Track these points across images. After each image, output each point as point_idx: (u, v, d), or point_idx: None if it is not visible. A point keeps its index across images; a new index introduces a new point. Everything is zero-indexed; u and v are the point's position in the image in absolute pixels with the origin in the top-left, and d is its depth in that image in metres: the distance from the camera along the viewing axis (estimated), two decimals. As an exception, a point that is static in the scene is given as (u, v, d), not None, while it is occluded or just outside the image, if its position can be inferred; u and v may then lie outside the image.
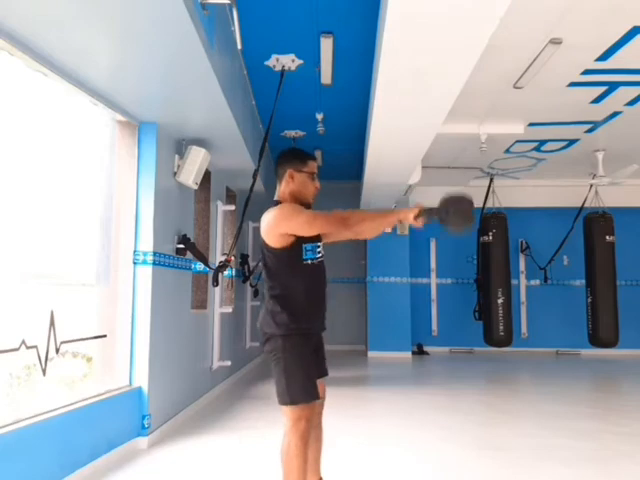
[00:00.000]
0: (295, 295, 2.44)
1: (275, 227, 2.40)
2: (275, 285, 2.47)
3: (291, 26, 4.17)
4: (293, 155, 2.60)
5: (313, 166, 2.57)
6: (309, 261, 2.46)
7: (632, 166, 7.24)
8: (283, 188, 2.55)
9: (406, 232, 9.70)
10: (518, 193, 9.47)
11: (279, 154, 2.65)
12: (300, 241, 2.43)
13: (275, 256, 2.44)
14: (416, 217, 2.36)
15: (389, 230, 9.66)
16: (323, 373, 2.59)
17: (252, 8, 3.86)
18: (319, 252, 2.52)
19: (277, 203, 2.52)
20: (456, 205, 2.38)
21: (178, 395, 4.60)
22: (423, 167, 7.02)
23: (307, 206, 2.53)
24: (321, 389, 2.54)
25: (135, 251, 3.99)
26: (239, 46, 3.91)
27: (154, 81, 3.46)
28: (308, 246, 2.46)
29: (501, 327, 8.37)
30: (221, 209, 5.97)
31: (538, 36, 4.21)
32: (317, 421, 2.56)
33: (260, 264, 2.62)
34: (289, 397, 2.36)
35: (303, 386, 2.37)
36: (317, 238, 2.51)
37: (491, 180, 8.86)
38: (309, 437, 2.40)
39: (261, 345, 2.50)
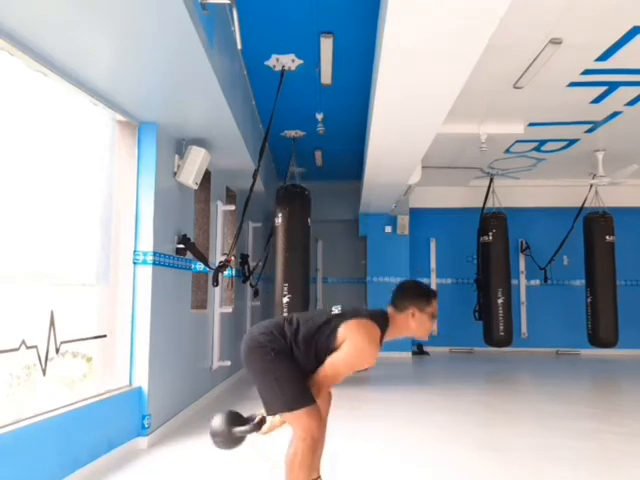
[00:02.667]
0: (300, 360, 2.40)
1: (345, 340, 2.33)
2: (297, 342, 2.39)
3: (291, 26, 4.17)
4: (420, 292, 2.52)
5: (436, 307, 2.50)
6: None
7: (632, 166, 7.24)
8: (401, 318, 2.46)
9: (406, 232, 9.70)
10: (518, 193, 9.47)
11: (406, 283, 2.60)
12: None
13: (326, 344, 2.37)
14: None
15: (388, 230, 9.68)
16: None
17: (252, 8, 3.86)
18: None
19: (385, 322, 2.44)
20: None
21: (178, 395, 4.60)
22: (423, 167, 7.01)
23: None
24: (327, 392, 2.54)
25: (135, 251, 3.99)
26: (239, 46, 3.91)
27: (154, 81, 3.46)
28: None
29: (501, 327, 8.36)
30: (221, 209, 5.97)
31: (538, 36, 4.21)
32: (324, 420, 2.55)
33: (315, 314, 2.53)
34: (285, 405, 2.30)
35: (299, 390, 2.32)
36: None
37: (491, 180, 8.85)
38: (318, 447, 2.37)
39: (246, 353, 2.43)
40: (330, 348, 2.36)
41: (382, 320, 2.44)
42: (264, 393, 2.37)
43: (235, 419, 2.40)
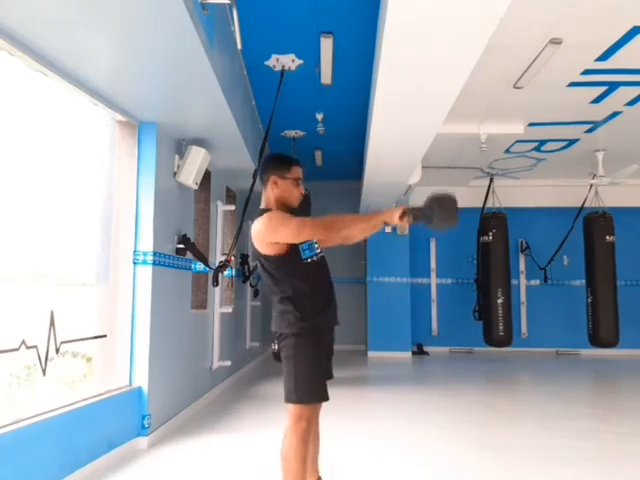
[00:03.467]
0: (303, 295, 2.44)
1: (264, 237, 2.41)
2: (281, 289, 2.47)
3: (291, 26, 4.17)
4: (277, 161, 2.59)
5: (297, 172, 2.55)
6: (309, 259, 2.46)
7: (632, 166, 7.24)
8: (268, 194, 2.54)
9: (406, 232, 9.69)
10: (518, 193, 9.47)
11: (262, 160, 2.65)
12: (294, 244, 2.43)
13: (274, 262, 2.44)
14: (401, 217, 2.34)
15: (388, 230, 9.67)
16: (328, 376, 2.59)
17: (252, 8, 3.86)
18: (317, 248, 2.52)
19: (264, 211, 2.50)
20: (441, 204, 2.39)
21: (178, 395, 4.60)
22: (423, 167, 7.01)
23: (293, 211, 2.53)
24: None
25: (135, 251, 3.99)
26: (239, 46, 3.91)
27: (154, 81, 3.46)
28: (304, 246, 2.46)
29: (501, 327, 8.37)
30: (221, 209, 5.97)
31: (538, 36, 4.21)
32: (315, 421, 2.57)
33: (259, 271, 2.62)
34: (296, 396, 2.37)
35: (311, 386, 2.38)
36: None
37: (491, 180, 8.85)
38: (309, 437, 2.41)
39: (278, 344, 2.48)
40: (270, 261, 2.44)
41: (260, 213, 2.49)
42: (285, 377, 2.44)
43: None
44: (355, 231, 2.48)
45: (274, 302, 2.53)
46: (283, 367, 2.45)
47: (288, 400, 2.40)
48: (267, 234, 2.40)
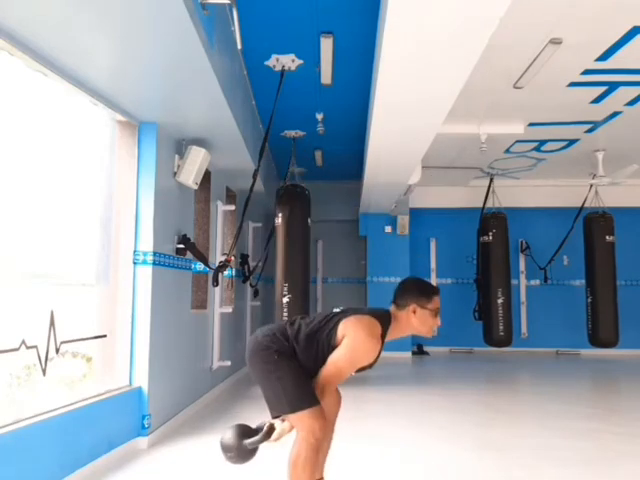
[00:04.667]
0: (303, 362, 2.40)
1: (345, 337, 2.33)
2: (301, 343, 2.39)
3: (291, 26, 4.17)
4: (420, 289, 2.52)
5: (438, 302, 2.51)
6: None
7: (632, 166, 7.24)
8: (403, 316, 2.47)
9: (406, 232, 9.70)
10: (518, 193, 9.47)
11: (406, 281, 2.58)
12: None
13: (327, 342, 2.37)
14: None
15: (388, 230, 9.68)
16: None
17: (252, 8, 3.86)
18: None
19: (387, 320, 2.44)
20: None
21: (178, 395, 4.60)
22: (423, 167, 7.01)
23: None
24: (336, 392, 2.57)
25: (135, 251, 3.99)
26: (239, 46, 3.91)
27: (154, 81, 3.46)
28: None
29: (501, 327, 8.37)
30: (221, 209, 5.97)
31: (538, 36, 4.21)
32: (331, 422, 2.55)
33: (316, 318, 2.50)
34: (288, 406, 2.29)
35: (303, 390, 2.31)
36: None
37: (491, 180, 8.86)
38: (321, 447, 2.36)
39: (251, 355, 2.45)
40: (331, 345, 2.35)
41: (383, 317, 2.44)
42: (268, 394, 2.37)
43: (245, 431, 2.36)
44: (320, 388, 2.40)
45: (281, 328, 2.47)
46: (263, 383, 2.38)
47: (280, 414, 2.32)
48: (346, 344, 2.32)
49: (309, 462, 2.28)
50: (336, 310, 2.50)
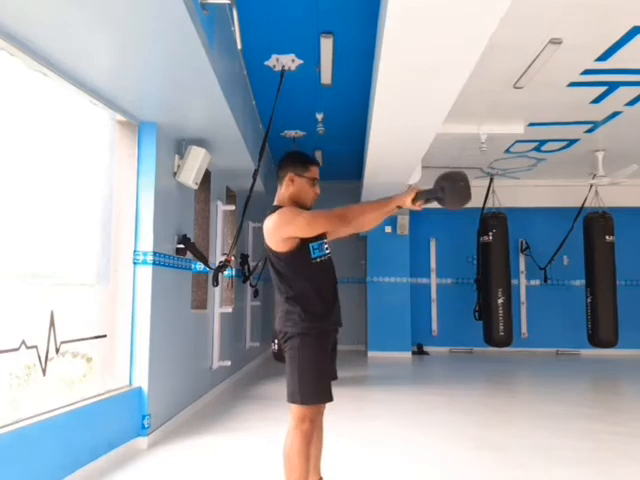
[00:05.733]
0: (309, 294, 2.44)
1: (277, 232, 2.40)
2: (288, 287, 2.46)
3: (291, 26, 4.17)
4: (296, 159, 2.58)
5: (315, 171, 2.55)
6: (318, 259, 2.46)
7: (632, 166, 7.24)
8: (283, 192, 2.54)
9: (406, 232, 9.70)
10: (518, 193, 9.47)
11: (282, 156, 2.62)
12: (305, 241, 2.42)
13: (283, 260, 2.43)
14: (414, 200, 2.34)
15: (388, 230, 9.68)
16: (333, 377, 2.59)
17: (252, 8, 3.86)
18: (326, 248, 2.53)
19: (277, 208, 2.49)
20: (452, 182, 2.35)
21: (178, 395, 4.60)
22: (423, 167, 7.01)
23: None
24: None
25: (135, 251, 3.99)
26: (239, 46, 3.91)
27: (154, 81, 3.46)
28: (315, 245, 2.46)
29: (501, 327, 8.36)
30: (221, 209, 5.97)
31: (538, 36, 4.21)
32: (319, 421, 2.57)
33: (268, 267, 2.60)
34: (300, 396, 2.36)
35: (315, 387, 2.38)
36: (322, 235, 2.51)
37: (491, 180, 8.85)
38: (312, 437, 2.40)
39: (282, 344, 2.48)
40: (277, 257, 2.43)
41: (273, 210, 2.48)
42: (288, 377, 2.43)
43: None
44: (368, 218, 2.48)
45: (279, 301, 2.51)
46: (287, 367, 2.44)
47: (292, 400, 2.39)
48: (281, 228, 2.39)
49: (303, 450, 2.33)
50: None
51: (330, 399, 2.42)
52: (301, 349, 2.39)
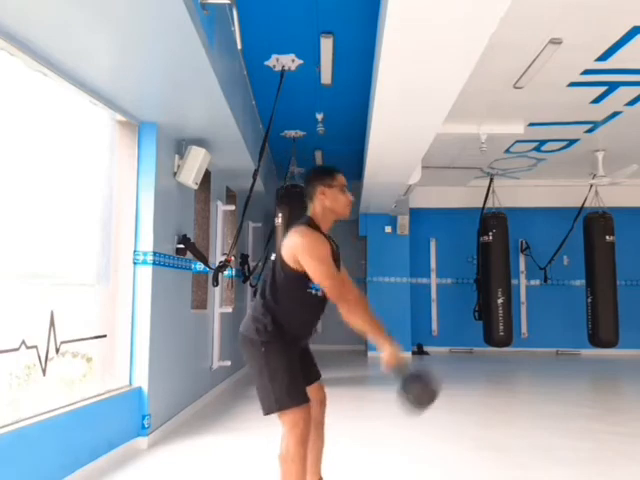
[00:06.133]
0: (288, 316, 2.42)
1: (297, 255, 2.35)
2: (274, 298, 2.43)
3: (291, 26, 4.17)
4: (321, 172, 2.59)
5: (342, 179, 2.55)
6: (314, 291, 2.43)
7: (632, 166, 7.24)
8: (316, 205, 2.51)
9: (406, 232, 9.70)
10: (518, 193, 9.47)
11: (307, 174, 2.64)
12: None
13: (286, 273, 2.40)
14: (388, 361, 2.29)
15: (388, 230, 9.68)
16: (316, 377, 2.58)
17: (252, 8, 3.86)
18: None
19: (309, 220, 2.47)
20: (422, 389, 2.38)
21: (178, 395, 4.60)
22: (423, 167, 7.01)
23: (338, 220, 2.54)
24: (320, 391, 2.56)
25: (135, 251, 3.99)
26: (239, 46, 3.92)
27: (154, 81, 3.46)
28: None
29: (501, 327, 8.36)
30: (221, 209, 5.97)
31: (538, 36, 4.21)
32: (319, 421, 2.55)
33: (265, 268, 2.60)
34: (277, 404, 2.31)
35: (290, 390, 2.33)
36: None
37: (491, 180, 8.85)
38: (308, 440, 2.37)
39: (240, 347, 2.47)
40: (284, 272, 2.39)
41: (304, 219, 2.48)
42: (258, 390, 2.40)
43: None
44: (357, 326, 2.35)
45: (256, 302, 2.49)
46: (256, 380, 2.39)
47: (269, 412, 2.34)
48: (301, 255, 2.34)
49: (297, 454, 2.30)
50: (273, 255, 2.57)
51: (307, 400, 2.36)
52: (267, 357, 2.36)
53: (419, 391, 2.33)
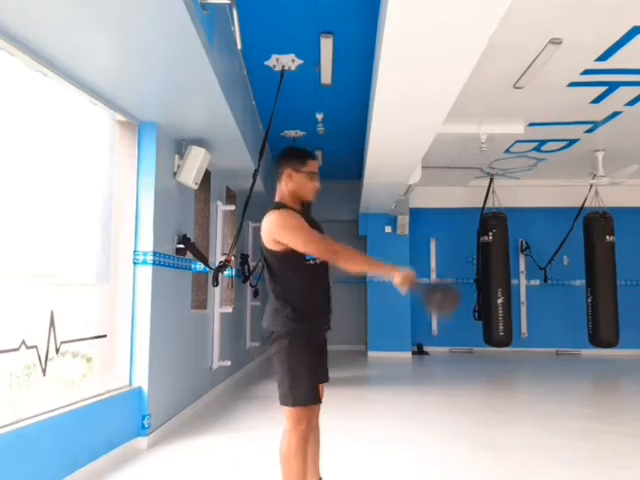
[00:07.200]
0: (299, 295, 2.44)
1: (273, 234, 2.40)
2: (279, 286, 2.47)
3: (291, 26, 4.17)
4: (292, 155, 2.58)
5: (312, 165, 2.54)
6: (311, 261, 2.45)
7: (632, 166, 7.24)
8: (282, 188, 2.54)
9: (406, 232, 9.70)
10: (518, 193, 9.47)
11: (279, 153, 2.63)
12: None
13: (277, 258, 2.44)
14: (402, 284, 2.29)
15: (388, 230, 9.68)
16: (324, 379, 2.59)
17: (252, 8, 3.86)
18: None
19: (278, 204, 2.50)
20: (444, 295, 2.41)
21: (178, 395, 4.60)
22: (423, 167, 7.01)
23: (307, 205, 2.53)
24: (322, 391, 2.56)
25: (135, 251, 3.99)
26: (239, 46, 3.91)
27: (154, 81, 3.46)
28: None
29: (501, 327, 8.36)
30: (221, 209, 5.97)
31: (538, 36, 4.21)
32: (315, 422, 2.57)
33: (261, 264, 2.61)
34: (292, 398, 2.36)
35: (306, 388, 2.37)
36: None
37: (491, 180, 8.85)
38: (309, 438, 2.41)
39: (268, 343, 2.49)
40: (274, 257, 2.42)
41: (274, 206, 2.49)
42: (278, 380, 2.43)
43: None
44: (354, 268, 2.40)
45: (270, 298, 2.52)
46: (277, 369, 2.43)
47: (284, 403, 2.38)
48: (279, 231, 2.38)
49: (299, 450, 2.34)
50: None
51: (319, 400, 2.43)
52: (290, 350, 2.39)
53: (441, 299, 2.41)
